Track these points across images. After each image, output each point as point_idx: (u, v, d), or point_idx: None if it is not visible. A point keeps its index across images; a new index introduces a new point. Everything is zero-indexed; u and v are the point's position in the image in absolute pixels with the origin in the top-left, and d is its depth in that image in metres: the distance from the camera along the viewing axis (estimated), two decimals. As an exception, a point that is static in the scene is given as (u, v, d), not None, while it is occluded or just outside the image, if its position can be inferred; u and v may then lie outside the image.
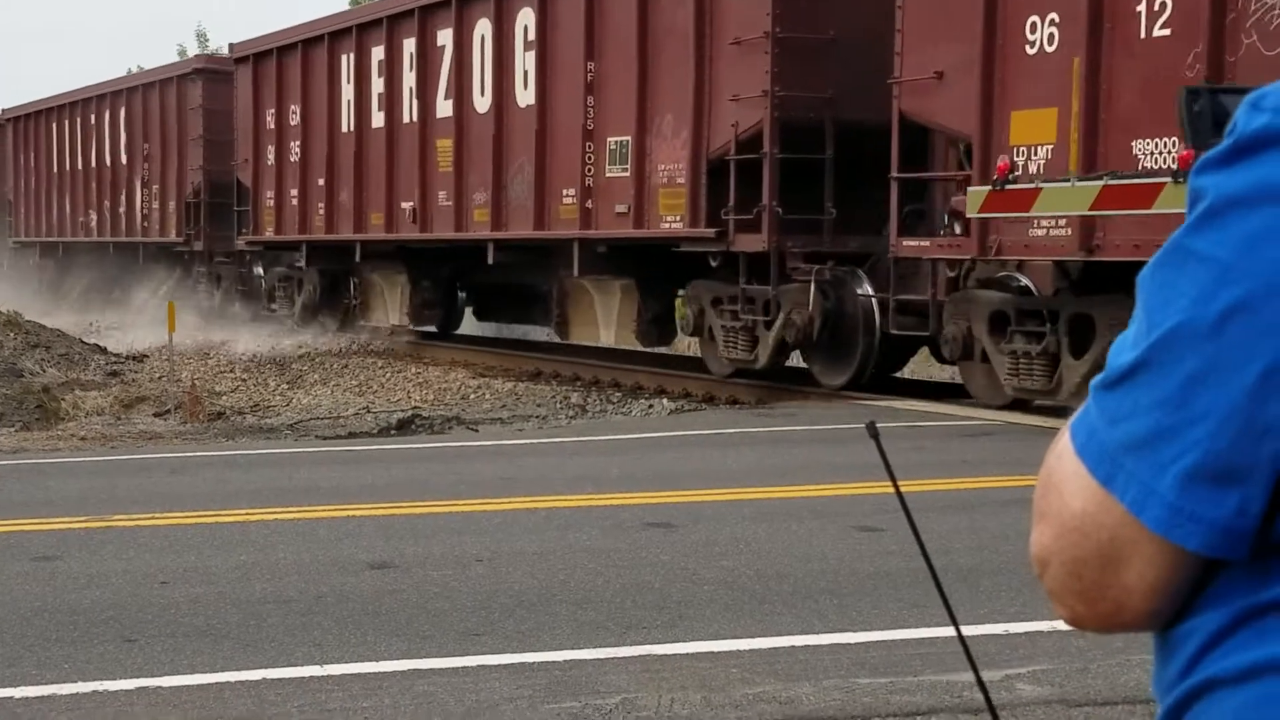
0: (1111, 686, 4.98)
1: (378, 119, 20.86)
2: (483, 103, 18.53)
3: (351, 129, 21.60)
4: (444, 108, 19.23)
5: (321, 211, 22.34)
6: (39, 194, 35.76)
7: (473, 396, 15.78)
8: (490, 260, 18.31)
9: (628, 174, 15.93)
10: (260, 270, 26.19)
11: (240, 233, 25.40)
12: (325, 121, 22.12)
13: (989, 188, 11.67)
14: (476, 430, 13.08)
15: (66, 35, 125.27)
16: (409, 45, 19.89)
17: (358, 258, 21.95)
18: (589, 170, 16.45)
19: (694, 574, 6.69)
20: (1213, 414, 1.09)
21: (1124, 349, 1.15)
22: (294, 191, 23.20)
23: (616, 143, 16.17)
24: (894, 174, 13.05)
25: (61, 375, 17.12)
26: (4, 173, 37.99)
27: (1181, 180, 10.20)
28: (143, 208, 29.73)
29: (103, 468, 10.67)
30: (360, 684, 5.09)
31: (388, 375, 17.81)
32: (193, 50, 55.96)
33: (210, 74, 27.26)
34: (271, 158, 23.99)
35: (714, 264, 15.12)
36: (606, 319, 17.57)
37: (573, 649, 5.48)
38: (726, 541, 7.41)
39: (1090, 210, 10.99)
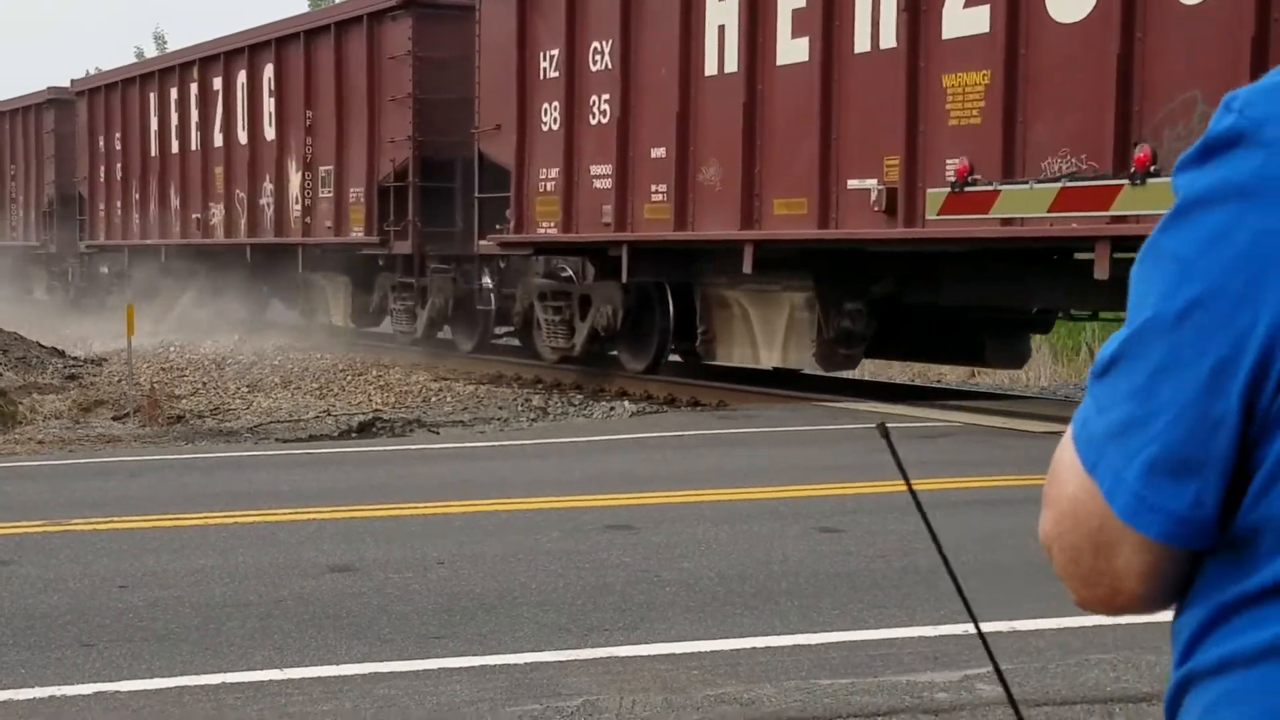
0: (1071, 686, 5.01)
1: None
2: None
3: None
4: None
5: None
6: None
7: (434, 399, 15.74)
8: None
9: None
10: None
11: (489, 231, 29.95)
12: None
13: (948, 189, 11.72)
14: (438, 433, 13.05)
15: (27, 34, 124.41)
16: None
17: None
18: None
19: (655, 576, 6.70)
20: (1171, 406, 1.12)
21: (1113, 341, 1.18)
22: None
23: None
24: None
25: (19, 379, 16.99)
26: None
27: (1139, 183, 10.27)
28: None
29: (60, 471, 10.59)
30: (320, 687, 5.07)
31: (348, 378, 17.75)
32: (150, 52, 55.97)
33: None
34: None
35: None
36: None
37: (534, 651, 5.48)
38: (688, 543, 7.42)
39: (1049, 211, 11.06)
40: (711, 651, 5.48)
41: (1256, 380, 1.09)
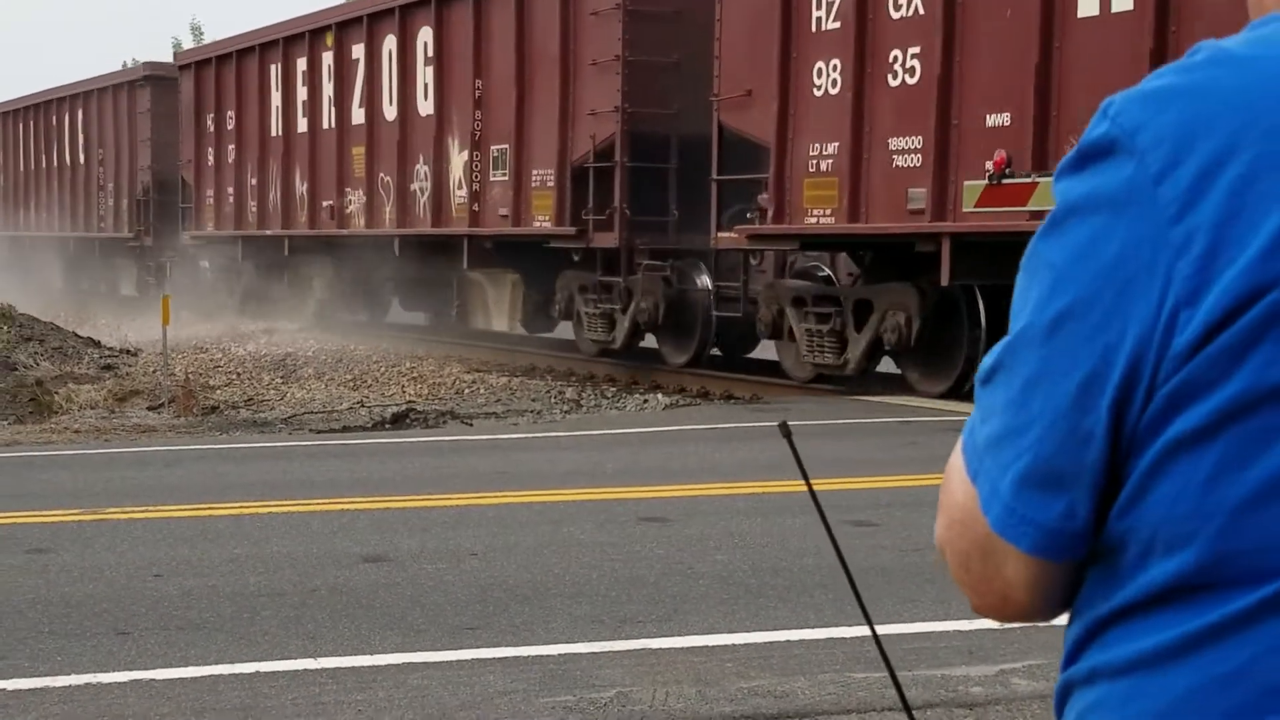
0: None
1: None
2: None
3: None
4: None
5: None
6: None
7: (467, 391, 15.75)
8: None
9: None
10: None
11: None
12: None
13: (985, 182, 11.67)
14: (471, 425, 13.06)
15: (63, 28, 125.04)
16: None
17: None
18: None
19: (689, 568, 6.68)
20: (1042, 419, 1.11)
21: (996, 348, 1.17)
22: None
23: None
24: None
25: (55, 369, 17.08)
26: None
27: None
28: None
29: (96, 461, 10.64)
30: (354, 677, 5.07)
31: (382, 370, 17.79)
32: (188, 43, 56.22)
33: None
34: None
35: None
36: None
37: (567, 643, 5.47)
38: (721, 536, 7.40)
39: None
40: (745, 644, 5.46)
41: (1124, 395, 1.08)
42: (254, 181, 24.93)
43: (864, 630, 5.58)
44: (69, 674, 5.11)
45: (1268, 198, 1.04)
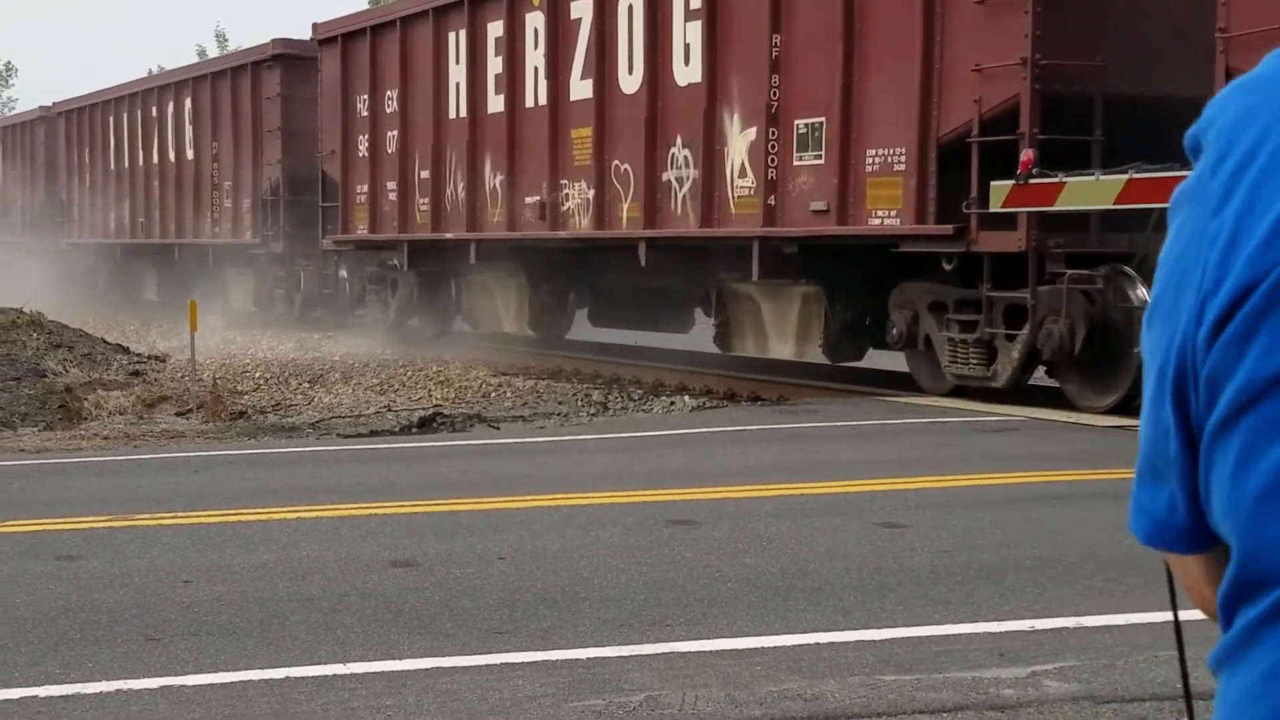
0: (1139, 683, 4.95)
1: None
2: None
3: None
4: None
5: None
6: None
7: (494, 394, 15.77)
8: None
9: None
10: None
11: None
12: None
13: (1012, 182, 11.62)
14: (498, 428, 13.07)
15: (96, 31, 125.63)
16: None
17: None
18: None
19: (717, 571, 6.67)
20: (1143, 411, 1.15)
21: None
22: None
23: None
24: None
25: (84, 375, 17.15)
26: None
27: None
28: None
29: (125, 467, 10.68)
30: (383, 682, 5.07)
31: (409, 374, 17.80)
32: (212, 51, 55.98)
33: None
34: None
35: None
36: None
37: (596, 646, 5.46)
38: (749, 539, 7.38)
39: (1115, 204, 10.94)
40: (774, 647, 5.44)
41: (1179, 387, 1.10)
42: (424, 175, 20.90)
43: (893, 632, 5.57)
44: (100, 680, 5.12)
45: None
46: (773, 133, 14.64)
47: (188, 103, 29.63)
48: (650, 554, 7.06)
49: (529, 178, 18.71)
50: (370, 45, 22.15)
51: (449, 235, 20.48)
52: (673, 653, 5.39)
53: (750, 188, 15.04)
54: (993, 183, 12.08)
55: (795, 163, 14.52)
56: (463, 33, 19.84)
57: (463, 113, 20.02)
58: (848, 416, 12.71)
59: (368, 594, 6.31)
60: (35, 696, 4.97)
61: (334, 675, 5.16)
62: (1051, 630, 5.61)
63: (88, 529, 7.91)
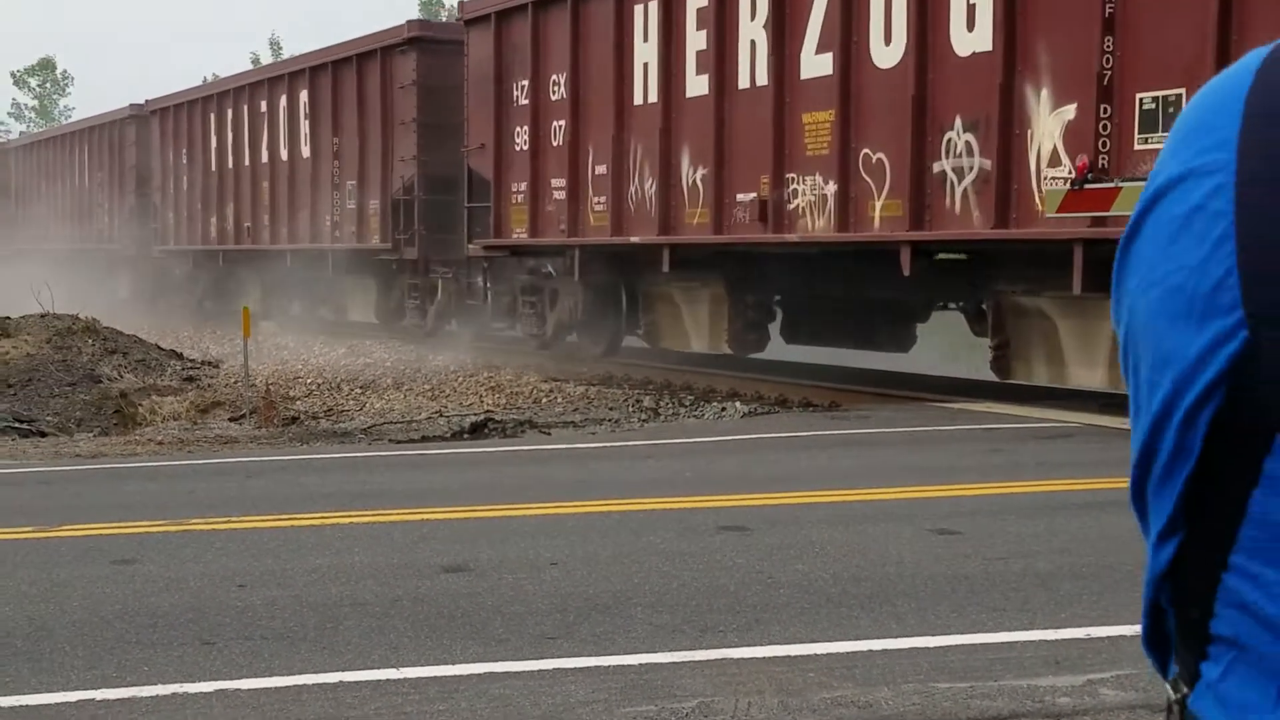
0: (1197, 692, 4.89)
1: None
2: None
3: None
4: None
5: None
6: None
7: (545, 400, 15.79)
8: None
9: None
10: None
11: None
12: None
13: (1068, 187, 11.55)
14: (549, 434, 13.09)
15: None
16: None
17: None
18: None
19: (769, 577, 6.65)
20: None
21: None
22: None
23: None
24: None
25: (138, 381, 17.28)
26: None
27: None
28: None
29: (180, 472, 10.75)
30: (436, 687, 5.08)
31: (460, 380, 17.85)
32: (266, 59, 56.32)
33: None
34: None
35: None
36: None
37: (648, 652, 5.45)
38: (801, 545, 7.36)
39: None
40: (827, 654, 5.42)
41: None
42: (600, 170, 18.26)
43: (947, 639, 5.54)
44: (156, 684, 5.15)
45: None
46: (1104, 109, 12.04)
47: (303, 95, 26.69)
48: (702, 560, 7.04)
49: (743, 172, 15.88)
50: (531, 23, 19.36)
51: (635, 239, 17.66)
52: (725, 659, 5.38)
53: (1065, 178, 12.17)
54: (1048, 189, 12.00)
55: (1137, 146, 11.79)
56: (653, 5, 17.17)
57: (652, 98, 17.23)
58: (900, 422, 12.66)
59: (420, 599, 6.33)
60: (92, 699, 5.00)
61: (387, 680, 5.17)
62: (1108, 638, 5.56)
63: (143, 533, 7.97)
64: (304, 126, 26.88)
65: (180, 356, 20.14)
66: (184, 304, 33.12)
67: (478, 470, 10.55)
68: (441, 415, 14.51)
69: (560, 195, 19.10)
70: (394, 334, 24.53)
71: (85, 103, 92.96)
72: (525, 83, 19.62)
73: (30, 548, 7.61)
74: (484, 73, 20.50)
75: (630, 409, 14.91)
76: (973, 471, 9.71)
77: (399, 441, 12.75)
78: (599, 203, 18.39)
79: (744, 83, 15.85)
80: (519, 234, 19.99)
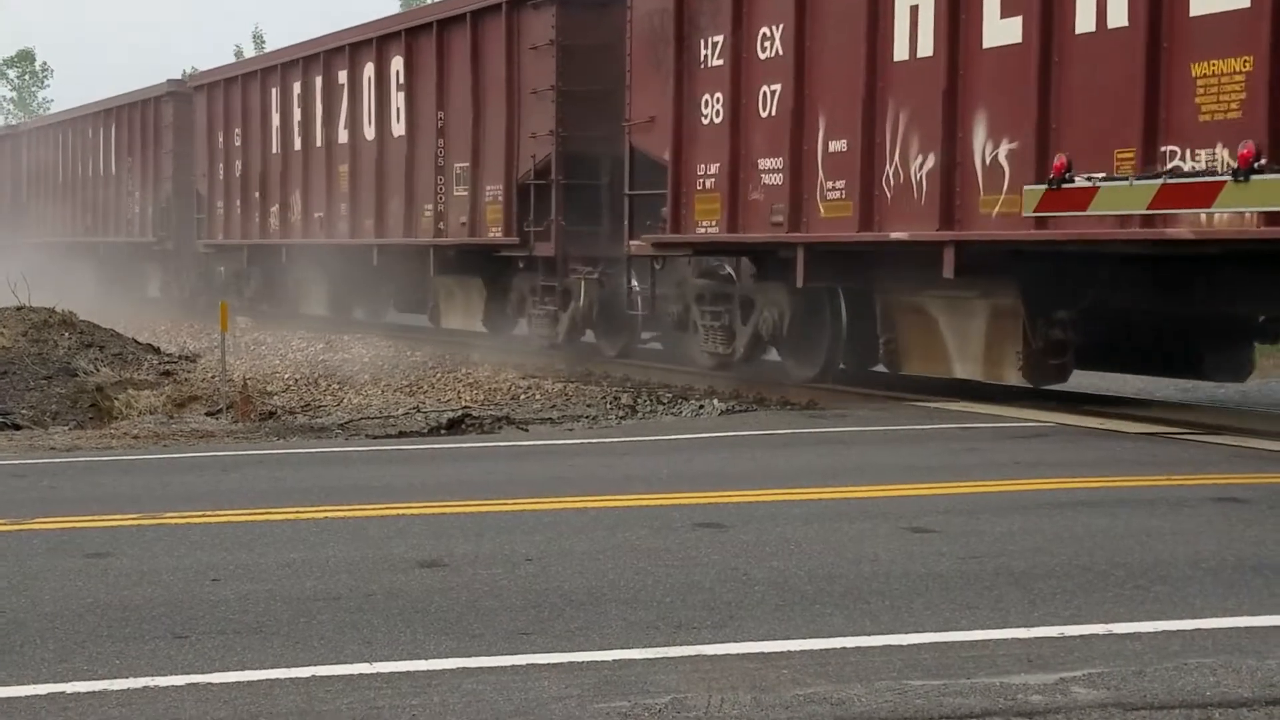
0: (1169, 690, 4.91)
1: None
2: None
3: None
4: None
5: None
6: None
7: (523, 397, 15.78)
8: None
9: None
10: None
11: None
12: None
13: (1045, 186, 11.57)
14: (526, 430, 13.08)
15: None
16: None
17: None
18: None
19: (744, 574, 6.66)
20: None
21: None
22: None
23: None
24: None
25: (115, 375, 17.22)
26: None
27: (1242, 179, 10.07)
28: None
29: (155, 466, 10.72)
30: (409, 682, 5.08)
31: (438, 375, 17.83)
32: (249, 52, 56.38)
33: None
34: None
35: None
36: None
37: (622, 648, 5.45)
38: (777, 542, 7.37)
39: (1149, 209, 10.87)
40: (801, 650, 5.43)
41: None
42: (838, 146, 14.20)
43: (921, 637, 5.55)
44: (127, 677, 5.14)
45: None
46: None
47: (396, 62, 22.71)
48: (677, 556, 7.05)
49: (1084, 145, 11.68)
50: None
51: (899, 235, 13.62)
52: (699, 655, 5.38)
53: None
54: (1026, 187, 12.02)
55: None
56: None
57: (924, 50, 13.29)
58: (877, 421, 12.68)
59: (394, 594, 6.32)
60: (63, 692, 4.98)
61: (360, 674, 5.16)
62: (1081, 637, 5.57)
63: (117, 526, 7.94)
64: (396, 99, 22.79)
65: (157, 350, 20.07)
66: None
67: (454, 466, 10.54)
68: (419, 411, 14.49)
69: (775, 180, 15.08)
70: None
71: (65, 96, 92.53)
72: (720, 39, 15.68)
73: (3, 540, 7.59)
74: (656, 28, 16.56)
75: (608, 406, 14.90)
76: (948, 470, 9.73)
77: (376, 437, 12.72)
78: (834, 188, 14.38)
79: (1086, 26, 11.78)
80: (707, 227, 16.02)
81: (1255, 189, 10.05)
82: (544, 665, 5.26)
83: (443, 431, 13.08)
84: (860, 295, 15.44)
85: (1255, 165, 10.05)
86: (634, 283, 18.21)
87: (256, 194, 27.49)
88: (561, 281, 19.76)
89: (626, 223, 17.67)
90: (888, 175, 13.75)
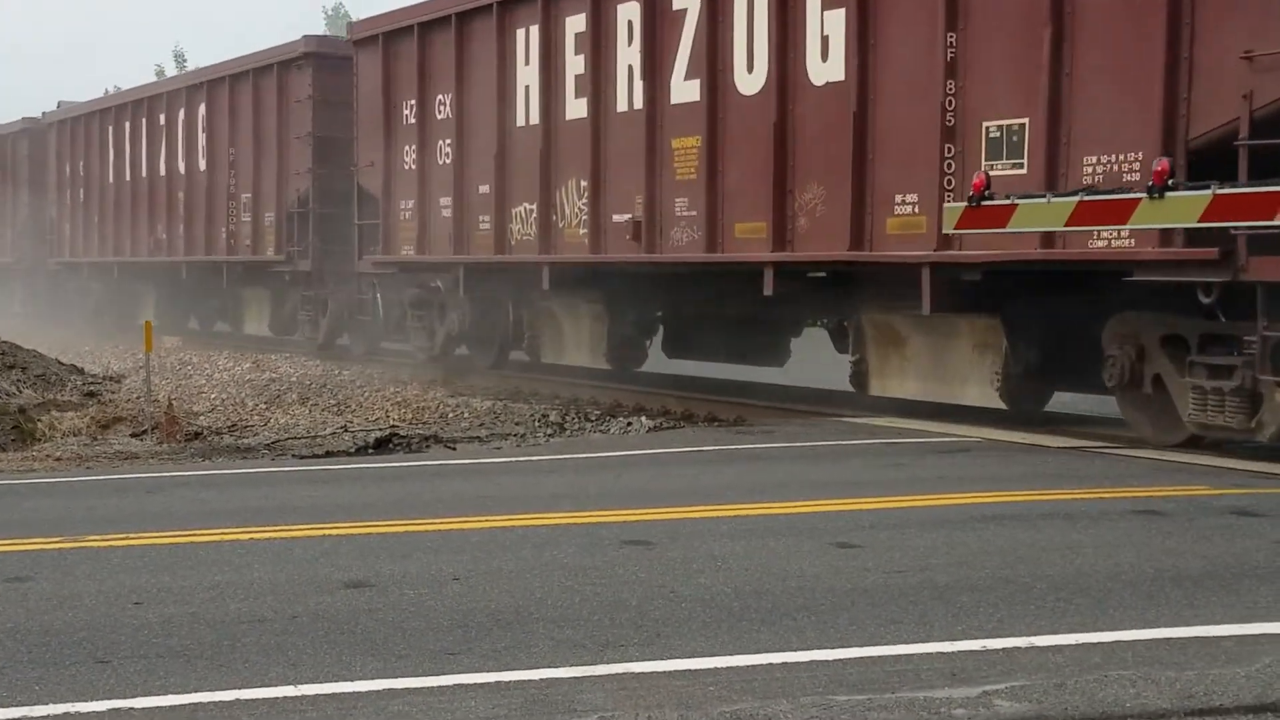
0: (1090, 702, 4.97)
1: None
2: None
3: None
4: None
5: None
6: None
7: (451, 415, 15.73)
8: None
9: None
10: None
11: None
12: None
13: (965, 204, 11.69)
14: (454, 449, 13.04)
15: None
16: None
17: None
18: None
19: (672, 592, 6.67)
20: None
21: None
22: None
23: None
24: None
25: (38, 396, 17.00)
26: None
27: (1157, 196, 10.23)
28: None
29: (78, 488, 10.60)
30: (335, 704, 5.05)
31: (366, 394, 17.74)
32: (171, 72, 55.52)
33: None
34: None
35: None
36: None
37: (549, 667, 5.45)
38: (704, 559, 7.39)
39: (1066, 226, 11.02)
40: (728, 667, 5.45)
41: None
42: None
43: (846, 652, 5.58)
44: (47, 703, 5.08)
45: None
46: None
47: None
48: (605, 574, 7.05)
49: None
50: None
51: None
52: (626, 673, 5.39)
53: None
54: (946, 205, 12.15)
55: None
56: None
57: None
58: (804, 437, 12.75)
59: (320, 615, 6.28)
60: (-18, 719, 4.92)
61: (284, 697, 5.13)
62: (1003, 650, 5.63)
63: (38, 550, 7.85)
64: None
65: (81, 372, 19.84)
66: (81, 318, 33.01)
67: (382, 485, 10.49)
68: (346, 430, 14.41)
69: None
70: (286, 347, 24.89)
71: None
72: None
73: (-79, 566, 7.48)
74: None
75: (536, 424, 14.89)
76: (874, 485, 9.79)
77: (303, 457, 12.65)
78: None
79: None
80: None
81: (1169, 205, 10.22)
82: (471, 685, 5.25)
83: (370, 451, 13.02)
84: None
85: (1169, 183, 10.21)
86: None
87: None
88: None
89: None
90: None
